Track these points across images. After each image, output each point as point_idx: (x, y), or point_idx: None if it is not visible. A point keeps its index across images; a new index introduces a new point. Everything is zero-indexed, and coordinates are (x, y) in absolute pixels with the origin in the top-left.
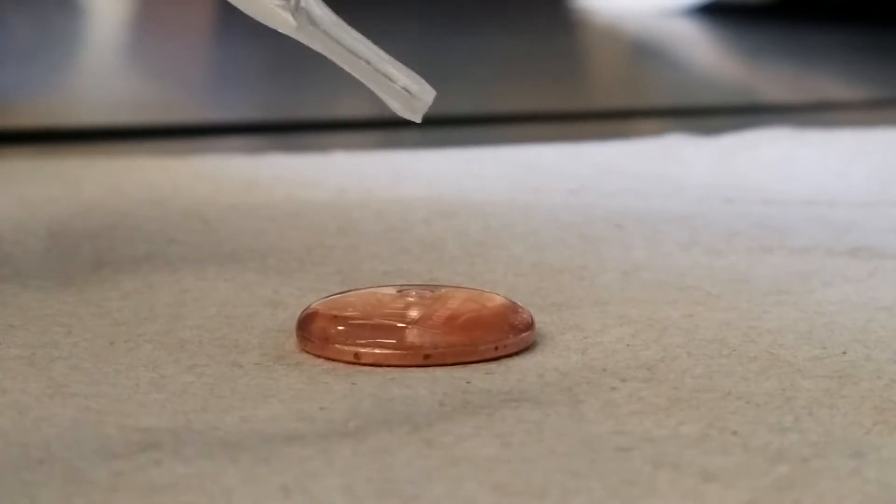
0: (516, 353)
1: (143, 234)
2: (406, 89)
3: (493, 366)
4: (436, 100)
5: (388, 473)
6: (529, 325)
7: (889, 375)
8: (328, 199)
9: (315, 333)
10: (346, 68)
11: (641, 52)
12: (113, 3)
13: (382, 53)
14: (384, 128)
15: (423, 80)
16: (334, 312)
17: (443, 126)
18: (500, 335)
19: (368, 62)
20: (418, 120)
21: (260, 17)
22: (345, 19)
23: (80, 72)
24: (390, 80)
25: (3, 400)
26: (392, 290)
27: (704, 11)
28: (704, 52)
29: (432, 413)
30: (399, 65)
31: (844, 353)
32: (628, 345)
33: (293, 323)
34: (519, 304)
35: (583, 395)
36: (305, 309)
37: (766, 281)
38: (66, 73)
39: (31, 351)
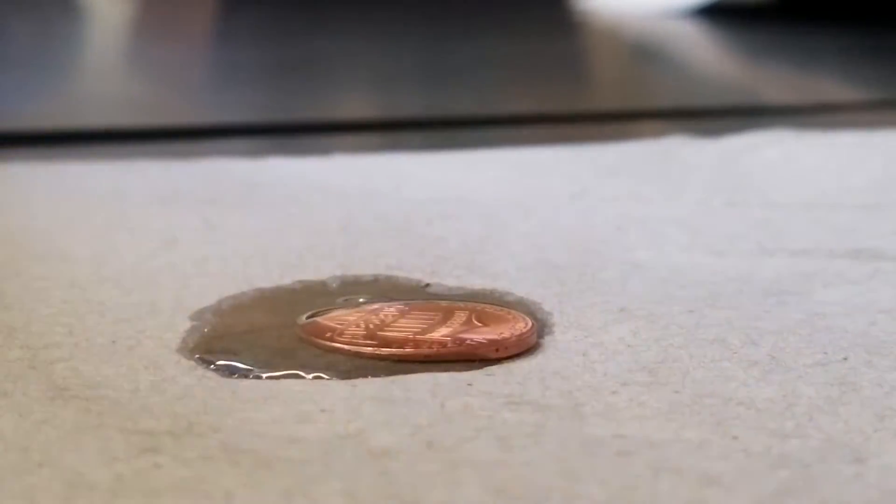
0: (518, 355)
1: (144, 233)
2: None
3: (494, 367)
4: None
5: (389, 477)
6: (531, 327)
7: (890, 383)
8: (329, 200)
9: (315, 331)
10: None
11: (642, 53)
12: (113, 6)
13: None
14: (385, 130)
15: None
16: (335, 314)
17: (444, 128)
18: (501, 336)
19: None
20: None
21: None
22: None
23: (81, 74)
24: None
25: (4, 402)
26: (394, 310)
27: (705, 13)
28: (705, 53)
29: (433, 415)
30: None
31: (846, 358)
32: (629, 345)
33: (295, 323)
34: (526, 316)
35: (584, 399)
36: (308, 312)
37: (767, 282)
38: (66, 75)
39: (32, 353)
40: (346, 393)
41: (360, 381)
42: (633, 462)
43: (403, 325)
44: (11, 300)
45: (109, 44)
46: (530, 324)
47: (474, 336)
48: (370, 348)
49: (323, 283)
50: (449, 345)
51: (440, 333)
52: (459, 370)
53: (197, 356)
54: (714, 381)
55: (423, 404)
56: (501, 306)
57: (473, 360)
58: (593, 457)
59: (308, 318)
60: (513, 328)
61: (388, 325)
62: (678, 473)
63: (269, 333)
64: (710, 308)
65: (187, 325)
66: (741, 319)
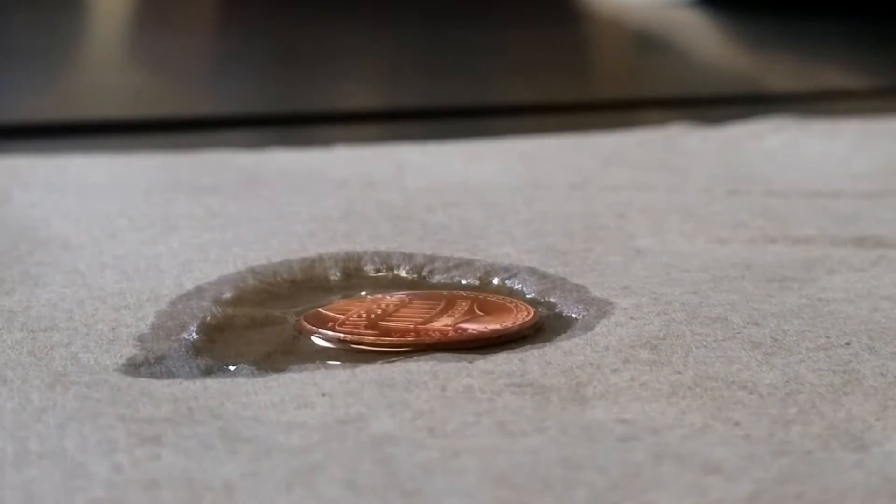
0: (520, 334)
1: (145, 221)
2: None
3: (496, 347)
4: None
5: (390, 466)
6: (532, 309)
7: (893, 371)
8: (330, 190)
9: (317, 320)
10: None
11: (645, 42)
12: None
13: None
14: (387, 120)
15: None
16: (337, 304)
17: (446, 118)
18: (503, 318)
19: None
20: None
21: None
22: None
23: (82, 66)
24: None
25: (3, 390)
26: (396, 300)
27: (708, 1)
28: (708, 41)
29: (434, 399)
30: None
31: (848, 343)
32: (632, 317)
33: (295, 309)
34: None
35: (585, 378)
36: (298, 308)
37: (769, 268)
38: (67, 67)
39: (32, 338)
40: (347, 376)
41: (361, 366)
42: (635, 448)
43: (405, 314)
44: (12, 286)
45: (110, 35)
46: (532, 312)
47: (476, 325)
48: (372, 337)
49: (324, 271)
50: (450, 334)
51: (442, 323)
52: (460, 351)
53: (197, 344)
54: (716, 362)
55: (424, 387)
56: (504, 296)
57: (476, 347)
58: (594, 443)
59: (299, 314)
60: (515, 317)
61: (390, 315)
62: (680, 460)
63: (270, 323)
64: (712, 290)
65: (188, 311)
66: (743, 301)
